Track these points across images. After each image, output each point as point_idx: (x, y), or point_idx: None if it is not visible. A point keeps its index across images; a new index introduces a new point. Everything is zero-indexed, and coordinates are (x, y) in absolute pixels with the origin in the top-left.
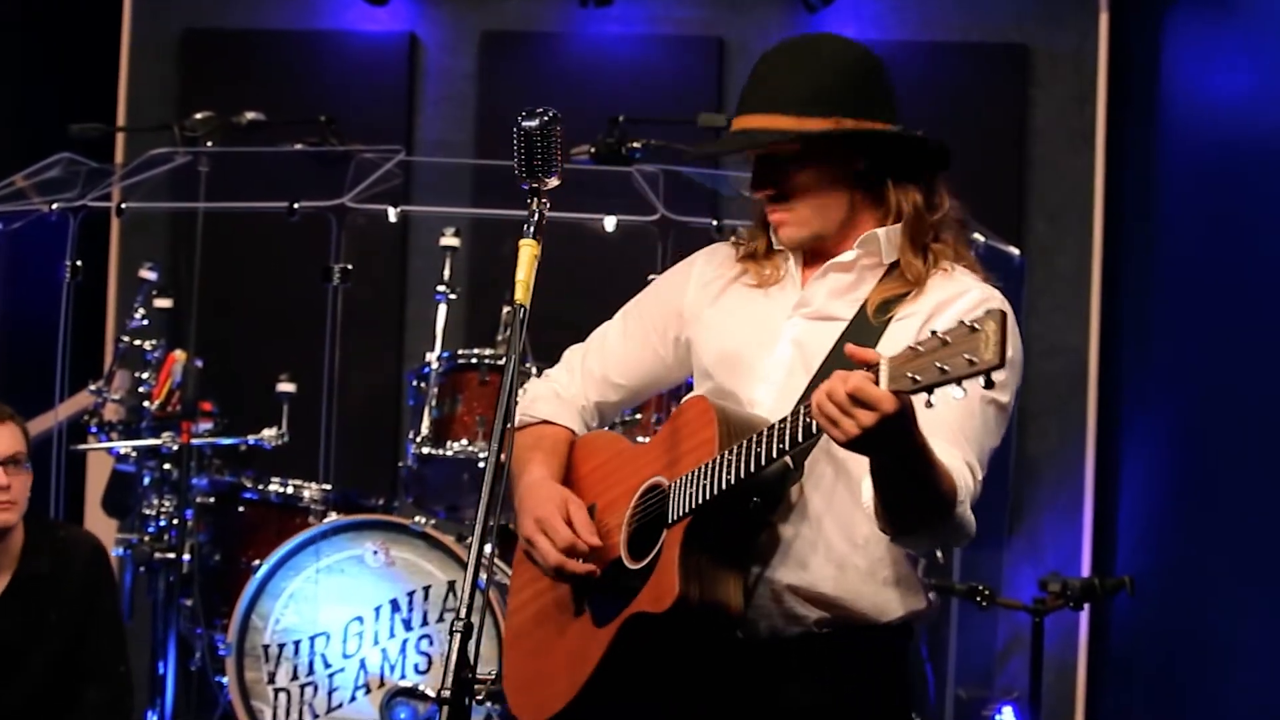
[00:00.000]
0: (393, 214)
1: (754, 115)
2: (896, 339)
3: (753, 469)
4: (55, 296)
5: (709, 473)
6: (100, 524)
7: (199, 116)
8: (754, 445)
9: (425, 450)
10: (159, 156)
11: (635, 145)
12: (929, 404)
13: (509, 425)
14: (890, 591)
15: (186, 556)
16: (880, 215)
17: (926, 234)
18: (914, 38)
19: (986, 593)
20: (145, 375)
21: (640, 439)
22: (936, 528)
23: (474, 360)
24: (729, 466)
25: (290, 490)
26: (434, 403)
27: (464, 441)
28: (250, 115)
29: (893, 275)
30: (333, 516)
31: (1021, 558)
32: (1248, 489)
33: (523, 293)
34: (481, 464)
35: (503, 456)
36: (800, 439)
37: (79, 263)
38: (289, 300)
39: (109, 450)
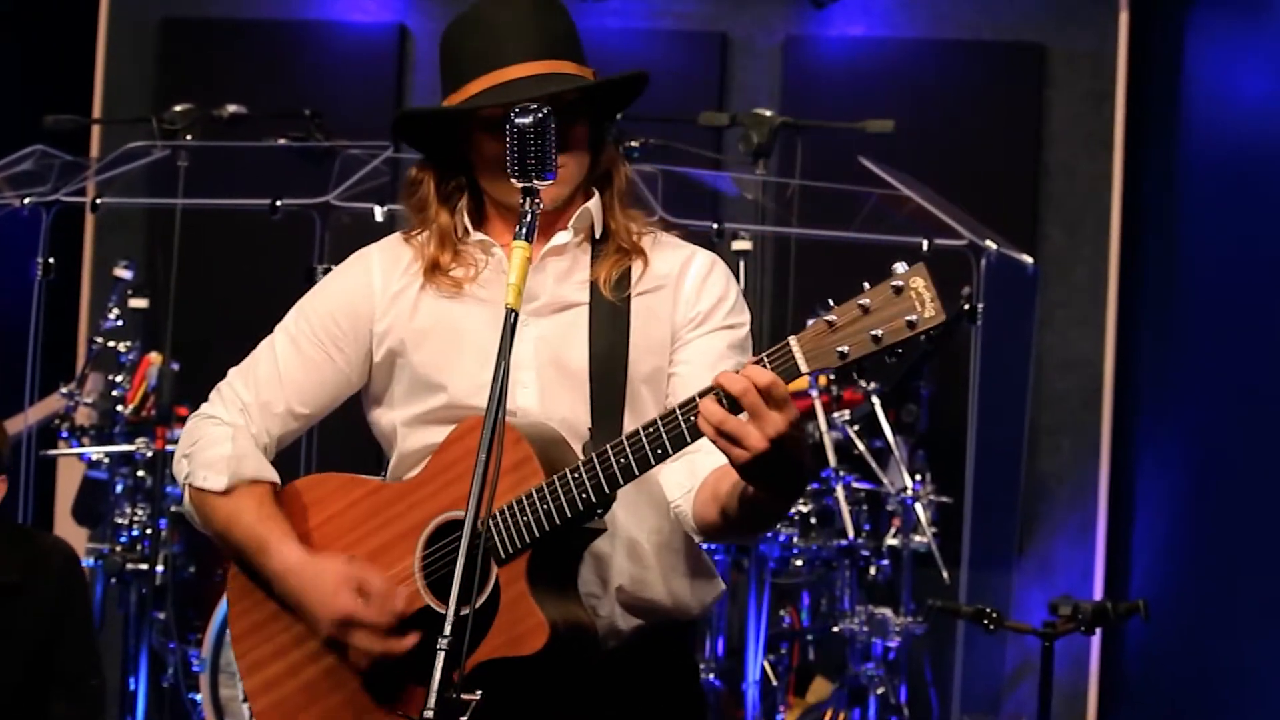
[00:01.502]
0: (379, 213)
1: (528, 64)
2: (647, 317)
3: (621, 482)
4: (26, 295)
5: (549, 496)
6: (70, 533)
7: (178, 109)
8: (616, 457)
9: None
10: (136, 150)
11: (633, 144)
12: (859, 374)
13: (495, 435)
14: (698, 582)
15: (160, 568)
16: (586, 182)
17: (626, 203)
18: (924, 35)
19: (994, 615)
20: (119, 378)
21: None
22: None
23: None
24: (581, 485)
25: None
26: None
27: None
28: (231, 108)
29: (606, 250)
30: None
31: (1031, 579)
32: (1268, 510)
33: (514, 296)
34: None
35: (490, 468)
36: (688, 439)
37: (51, 260)
38: (270, 302)
39: (80, 456)
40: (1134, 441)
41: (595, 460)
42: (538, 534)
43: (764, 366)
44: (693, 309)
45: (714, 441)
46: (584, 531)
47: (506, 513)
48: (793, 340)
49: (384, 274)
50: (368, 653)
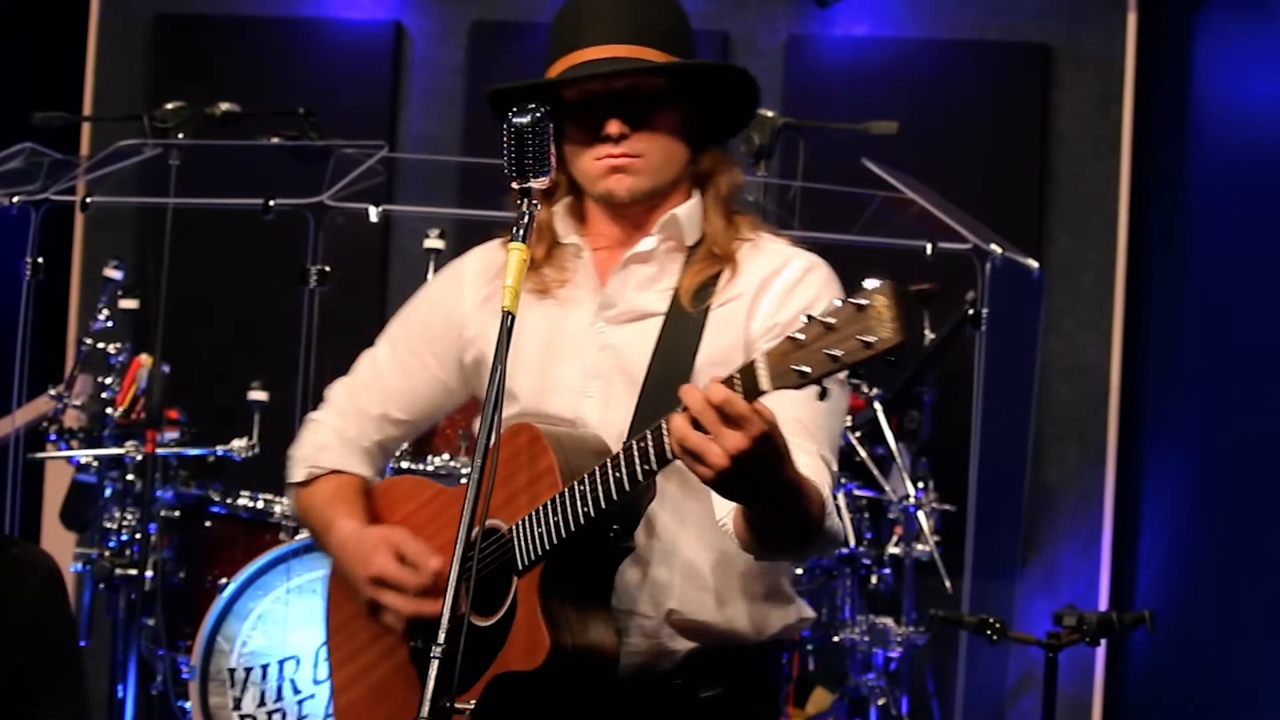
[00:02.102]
0: (374, 213)
1: (609, 46)
2: (721, 328)
3: (615, 497)
4: (14, 295)
5: (558, 509)
6: (58, 537)
7: (170, 107)
8: (611, 470)
9: (404, 464)
10: (127, 148)
11: None
12: (821, 395)
13: (493, 442)
14: (763, 607)
15: (149, 573)
16: (688, 184)
17: (731, 210)
18: (928, 35)
19: (997, 626)
20: (108, 380)
21: (460, 477)
22: (804, 547)
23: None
24: (584, 498)
25: (260, 505)
26: None
27: (445, 456)
28: (225, 106)
29: (697, 257)
30: (305, 533)
31: (1035, 589)
32: (1278, 520)
33: (510, 299)
34: (464, 479)
35: (487, 473)
36: (668, 456)
37: (40, 259)
38: (262, 303)
39: (69, 459)
40: (1140, 450)
41: (596, 473)
42: (547, 546)
43: (733, 382)
44: (772, 319)
45: (680, 458)
46: (607, 547)
47: (524, 524)
48: (760, 357)
49: (475, 279)
50: (399, 613)
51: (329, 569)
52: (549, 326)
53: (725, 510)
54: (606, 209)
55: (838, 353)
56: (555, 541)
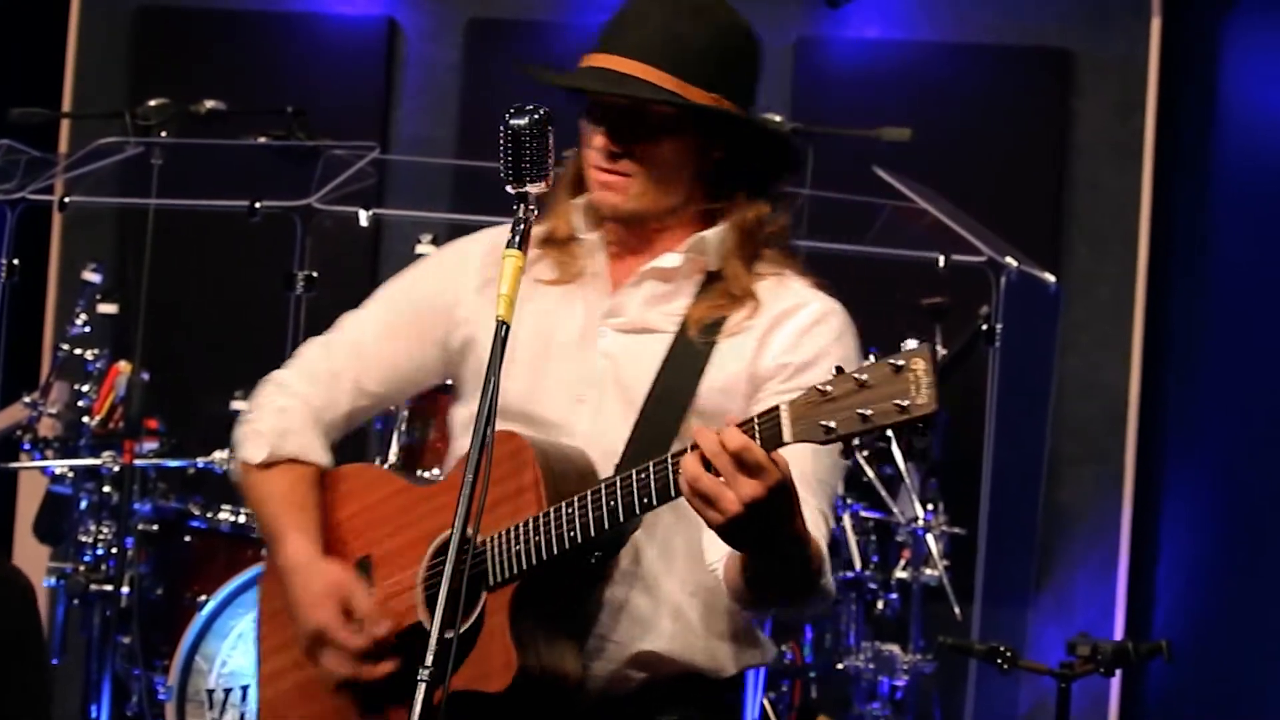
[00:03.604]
0: (364, 217)
1: (627, 59)
2: (728, 358)
3: (606, 526)
4: None
5: (542, 529)
6: (31, 551)
7: (153, 104)
8: (605, 498)
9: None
10: (107, 146)
11: None
12: (845, 454)
13: (485, 455)
14: (728, 645)
15: (125, 589)
16: (704, 218)
17: (758, 247)
18: (944, 38)
19: (1008, 654)
20: (85, 388)
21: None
22: (797, 602)
23: (449, 382)
24: (571, 523)
25: (242, 519)
26: (403, 427)
27: (436, 470)
28: (209, 104)
29: (713, 287)
30: None
31: (1048, 617)
32: None
33: (505, 308)
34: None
35: (478, 490)
36: (672, 494)
37: (15, 261)
38: (247, 309)
39: (43, 470)
40: (1159, 472)
41: (588, 499)
42: (524, 566)
43: (753, 428)
44: (783, 358)
45: (688, 500)
46: (585, 572)
47: (501, 538)
48: (784, 405)
49: (483, 258)
50: (336, 672)
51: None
52: (548, 320)
53: (718, 555)
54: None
55: (868, 412)
56: (535, 562)
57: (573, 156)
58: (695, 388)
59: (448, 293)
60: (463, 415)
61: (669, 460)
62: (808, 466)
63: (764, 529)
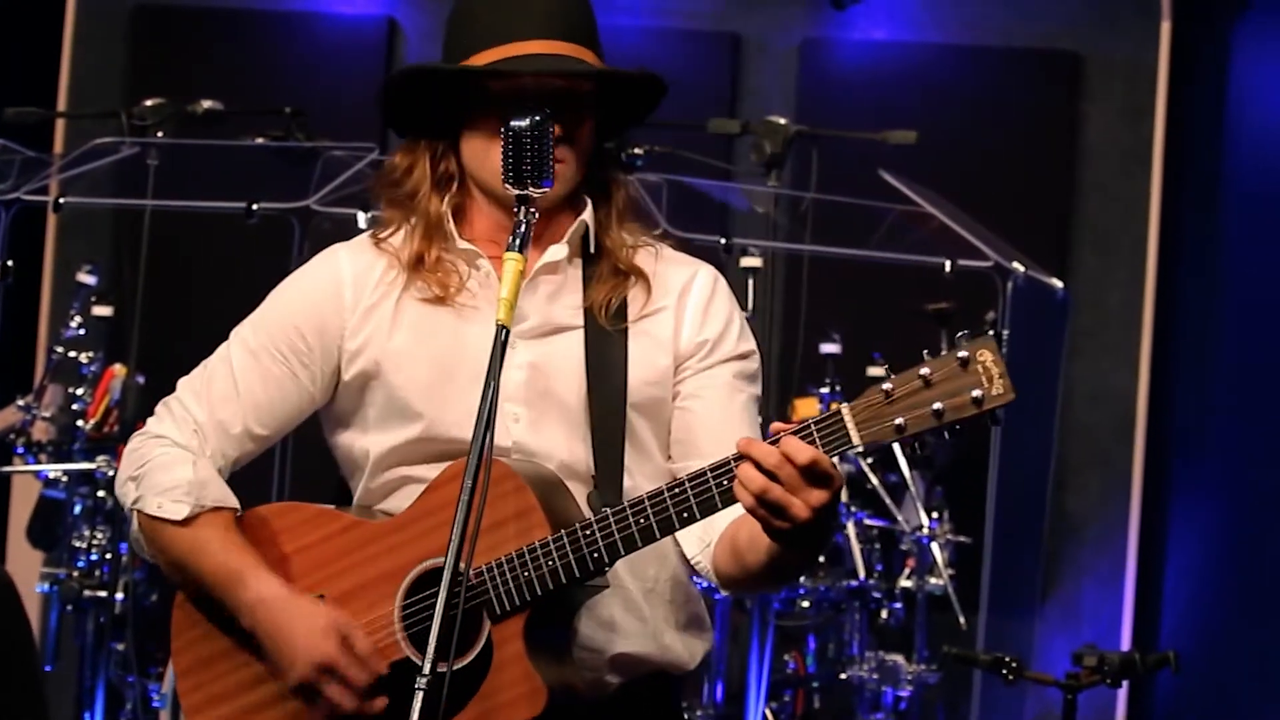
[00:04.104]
0: (363, 219)
1: (555, 42)
2: (647, 350)
3: (640, 544)
4: None
5: (558, 553)
6: (24, 556)
7: (149, 103)
8: (636, 517)
9: None
10: (103, 146)
11: (637, 151)
12: (915, 449)
13: (484, 460)
14: (689, 636)
15: (120, 595)
16: (575, 195)
17: (625, 219)
18: (952, 40)
19: (1014, 665)
20: (80, 391)
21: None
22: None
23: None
24: (593, 545)
25: None
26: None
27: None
28: (207, 104)
29: (599, 270)
30: None
31: (1054, 627)
32: None
33: (505, 312)
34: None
35: (476, 497)
36: (719, 506)
37: (10, 262)
38: (243, 312)
39: (36, 474)
40: (1167, 480)
41: (611, 519)
42: (540, 591)
43: (812, 436)
44: (698, 335)
45: (751, 511)
46: (586, 589)
47: (505, 566)
48: (845, 409)
49: (355, 284)
50: (338, 707)
51: (180, 596)
52: (448, 340)
53: (699, 548)
54: (498, 213)
55: (940, 407)
56: (551, 587)
57: (413, 161)
58: (624, 382)
59: (329, 325)
60: (367, 445)
61: (709, 476)
62: (742, 433)
63: (826, 531)
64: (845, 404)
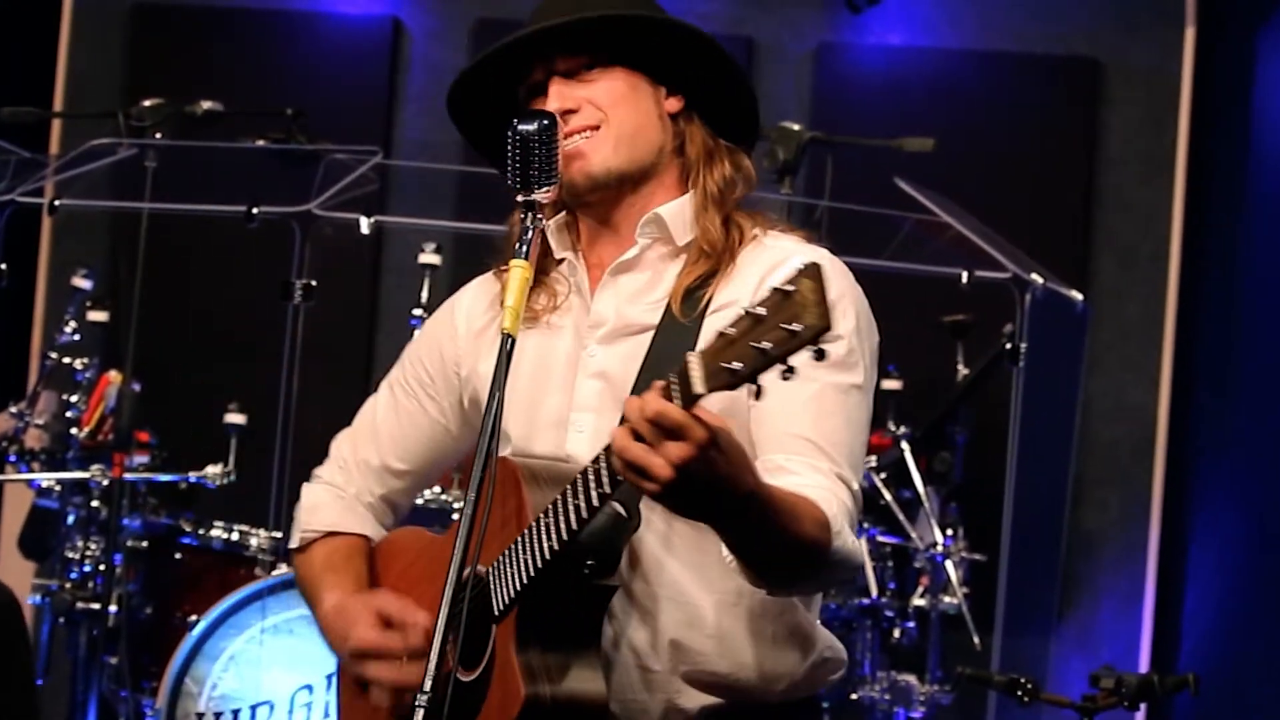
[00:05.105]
0: (365, 225)
1: (555, 19)
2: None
3: (575, 527)
4: None
5: (526, 546)
6: (16, 567)
7: (147, 104)
8: (569, 498)
9: None
10: (100, 148)
11: None
12: (756, 395)
13: (488, 471)
14: (780, 650)
15: (113, 608)
16: (673, 177)
17: (727, 210)
18: (970, 46)
19: (1029, 686)
20: (74, 398)
21: (452, 512)
22: (812, 572)
23: None
24: (547, 532)
25: (235, 537)
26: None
27: (436, 489)
28: (206, 105)
29: (691, 260)
30: (283, 569)
31: (1071, 647)
32: None
33: (511, 321)
34: (456, 514)
35: (481, 509)
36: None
37: (3, 266)
38: (242, 319)
39: (29, 482)
40: (1188, 498)
41: (557, 502)
42: (518, 588)
43: (670, 390)
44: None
45: (623, 475)
46: (585, 587)
47: (499, 566)
48: (692, 358)
49: (469, 312)
50: (384, 683)
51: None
52: (538, 355)
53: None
54: (589, 219)
55: (765, 345)
56: (525, 581)
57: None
58: None
59: (446, 355)
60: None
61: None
62: (809, 430)
63: (707, 492)
64: (697, 351)
